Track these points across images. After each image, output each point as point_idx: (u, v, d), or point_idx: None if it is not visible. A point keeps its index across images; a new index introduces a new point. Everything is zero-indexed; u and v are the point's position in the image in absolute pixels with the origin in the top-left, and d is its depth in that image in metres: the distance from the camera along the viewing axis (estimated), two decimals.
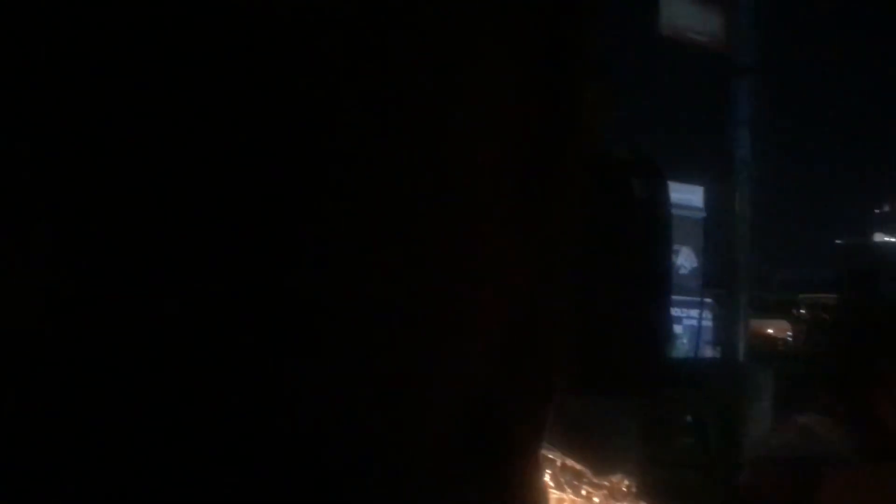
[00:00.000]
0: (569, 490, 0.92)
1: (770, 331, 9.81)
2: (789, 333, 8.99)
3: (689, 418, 4.03)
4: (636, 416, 2.08)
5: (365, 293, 0.28)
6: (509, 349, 0.32)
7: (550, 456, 0.90)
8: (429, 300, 0.30)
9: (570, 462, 0.94)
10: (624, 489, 0.95)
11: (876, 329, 1.45)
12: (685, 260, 6.49)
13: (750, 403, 3.99)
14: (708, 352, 5.22)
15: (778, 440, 1.48)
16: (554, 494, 0.92)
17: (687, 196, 6.55)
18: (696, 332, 5.03)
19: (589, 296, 1.96)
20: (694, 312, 5.29)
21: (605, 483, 0.94)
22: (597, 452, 1.40)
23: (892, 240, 22.97)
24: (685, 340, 5.44)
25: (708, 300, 5.38)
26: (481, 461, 0.30)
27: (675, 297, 5.92)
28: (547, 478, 0.89)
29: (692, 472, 3.34)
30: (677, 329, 6.06)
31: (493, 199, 0.34)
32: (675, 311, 5.93)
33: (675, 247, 7.40)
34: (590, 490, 0.93)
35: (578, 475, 0.94)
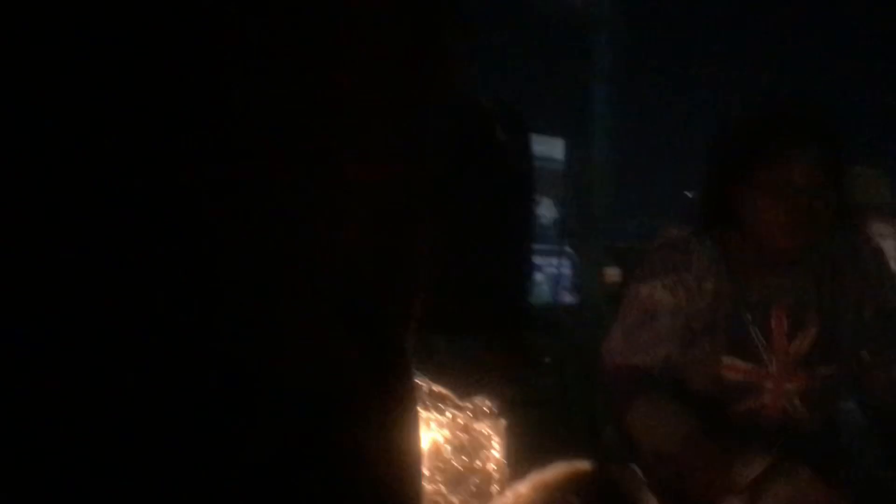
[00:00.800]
0: (434, 411, 0.97)
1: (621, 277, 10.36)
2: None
3: (547, 360, 4.22)
4: (497, 357, 2.17)
5: (265, 197, 0.31)
6: (380, 242, 0.35)
7: (418, 382, 0.95)
8: (315, 207, 0.33)
9: (436, 387, 0.99)
10: (486, 410, 1.01)
11: None
12: (546, 210, 6.71)
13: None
14: (567, 298, 5.45)
15: None
16: (422, 415, 0.97)
17: (548, 148, 6.75)
18: (556, 279, 5.23)
19: (451, 241, 2.02)
20: (554, 261, 5.51)
21: (469, 405, 1.00)
22: (460, 388, 1.46)
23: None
24: (545, 287, 5.67)
25: (567, 249, 5.62)
26: (359, 326, 0.34)
27: (536, 246, 6.13)
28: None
29: (551, 413, 3.52)
30: (538, 276, 6.31)
31: (365, 124, 0.37)
32: (536, 260, 6.15)
33: (537, 197, 7.62)
34: (454, 412, 0.99)
35: (444, 398, 0.99)
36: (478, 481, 0.96)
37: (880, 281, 1.54)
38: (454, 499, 0.94)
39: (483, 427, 0.97)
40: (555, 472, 0.89)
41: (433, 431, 0.98)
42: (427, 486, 0.95)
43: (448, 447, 0.97)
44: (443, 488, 0.93)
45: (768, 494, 1.24)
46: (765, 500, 1.23)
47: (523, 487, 0.88)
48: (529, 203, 2.18)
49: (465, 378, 2.01)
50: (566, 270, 5.48)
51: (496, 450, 0.97)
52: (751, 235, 1.47)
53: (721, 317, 1.48)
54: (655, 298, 1.47)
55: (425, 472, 0.97)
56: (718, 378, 1.49)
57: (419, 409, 0.99)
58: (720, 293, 1.48)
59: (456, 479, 0.96)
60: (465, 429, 0.97)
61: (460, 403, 0.97)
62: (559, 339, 4.33)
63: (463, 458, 0.97)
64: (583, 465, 0.91)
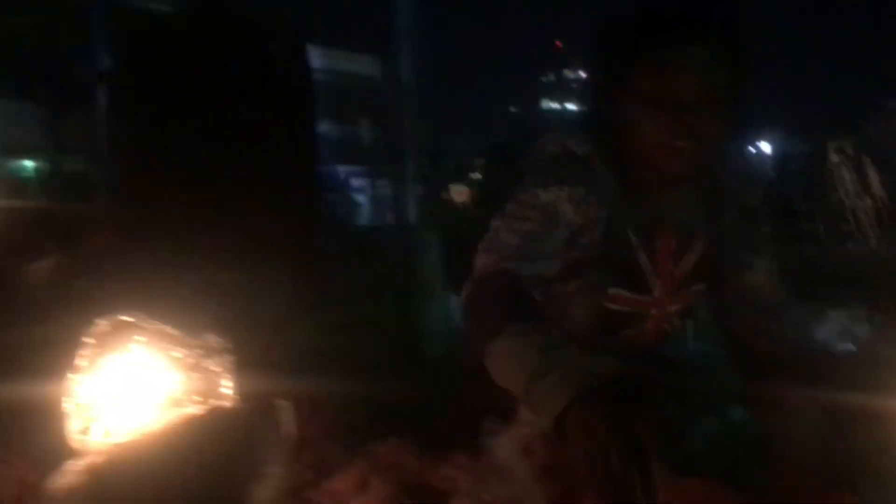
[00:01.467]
0: (162, 354, 0.91)
1: (452, 195, 10.53)
2: (466, 197, 9.75)
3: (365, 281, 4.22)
4: (303, 286, 2.12)
5: None
6: None
7: (141, 324, 0.88)
8: None
9: (163, 328, 0.92)
10: (217, 346, 0.96)
11: None
12: (364, 131, 6.62)
13: (424, 265, 4.25)
14: (386, 219, 5.46)
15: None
16: (148, 360, 0.90)
17: (365, 67, 6.61)
18: (373, 201, 5.22)
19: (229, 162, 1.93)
20: (371, 182, 5.47)
21: (199, 343, 0.94)
22: (253, 326, 1.39)
23: (555, 106, 25.43)
24: (363, 210, 5.64)
25: (385, 169, 5.59)
26: None
27: (354, 168, 6.04)
28: (139, 346, 0.86)
29: (370, 334, 3.52)
30: (359, 198, 6.25)
31: None
32: (354, 182, 6.09)
33: (356, 118, 7.52)
34: (185, 351, 0.93)
35: (172, 339, 0.93)
36: None
37: (744, 179, 1.46)
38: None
39: (213, 365, 0.92)
40: None
41: (162, 373, 0.92)
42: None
43: (180, 389, 0.92)
44: None
45: None
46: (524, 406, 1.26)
47: None
48: (308, 120, 2.10)
49: (255, 316, 1.96)
50: (385, 191, 5.47)
51: (228, 388, 0.93)
52: (633, 153, 1.30)
53: (612, 244, 1.34)
54: (558, 208, 1.28)
55: (155, 415, 0.91)
56: (601, 309, 1.38)
57: (144, 352, 0.93)
58: (612, 220, 1.33)
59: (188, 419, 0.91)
60: (197, 368, 0.92)
61: (191, 342, 0.92)
62: (380, 260, 4.35)
63: (194, 397, 0.92)
64: None
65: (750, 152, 1.52)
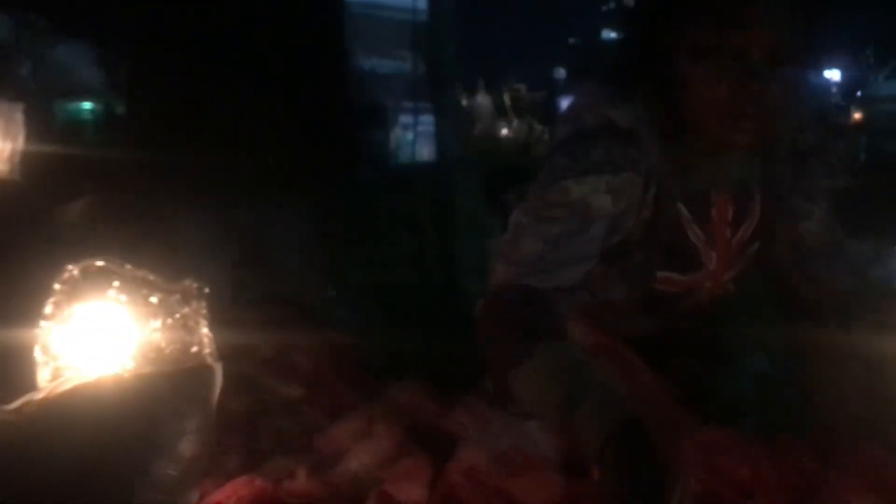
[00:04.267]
0: (139, 298, 0.87)
1: (504, 131, 10.37)
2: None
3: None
4: (333, 221, 2.09)
5: None
6: None
7: (115, 269, 0.84)
8: None
9: (140, 273, 0.88)
10: (195, 291, 0.92)
11: None
12: (410, 66, 6.48)
13: (465, 201, 4.19)
14: (428, 155, 5.36)
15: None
16: (124, 305, 0.87)
17: None
18: (415, 136, 5.13)
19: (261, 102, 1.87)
20: (416, 118, 5.36)
21: (177, 287, 0.90)
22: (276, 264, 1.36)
23: (616, 35, 24.64)
24: (412, 146, 5.56)
25: (429, 104, 5.46)
26: None
27: (399, 103, 5.94)
28: (114, 291, 0.82)
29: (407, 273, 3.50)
30: (399, 134, 6.17)
31: None
32: (399, 117, 6.01)
33: (401, 52, 7.37)
34: (162, 296, 0.89)
35: (149, 284, 0.89)
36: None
37: (798, 118, 1.25)
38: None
39: (194, 311, 0.88)
40: None
41: (139, 320, 0.88)
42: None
43: (157, 335, 0.88)
44: None
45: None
46: None
47: None
48: (338, 48, 2.02)
49: (277, 255, 1.93)
50: (429, 127, 5.34)
51: (206, 335, 0.89)
52: (688, 119, 1.11)
53: (659, 223, 1.18)
54: (593, 204, 1.10)
55: (131, 363, 0.88)
56: (650, 291, 1.25)
57: (119, 299, 0.89)
58: (661, 196, 1.16)
59: (164, 369, 0.87)
60: (174, 313, 0.88)
61: (168, 287, 0.87)
62: (419, 197, 4.29)
63: (175, 346, 0.88)
64: None
65: (805, 87, 1.24)
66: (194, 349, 0.90)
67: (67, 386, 0.78)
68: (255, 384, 1.32)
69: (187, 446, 0.80)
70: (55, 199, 2.53)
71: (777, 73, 1.03)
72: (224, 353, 1.24)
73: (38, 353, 0.84)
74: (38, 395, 0.79)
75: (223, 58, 1.84)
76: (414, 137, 5.46)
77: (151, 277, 0.89)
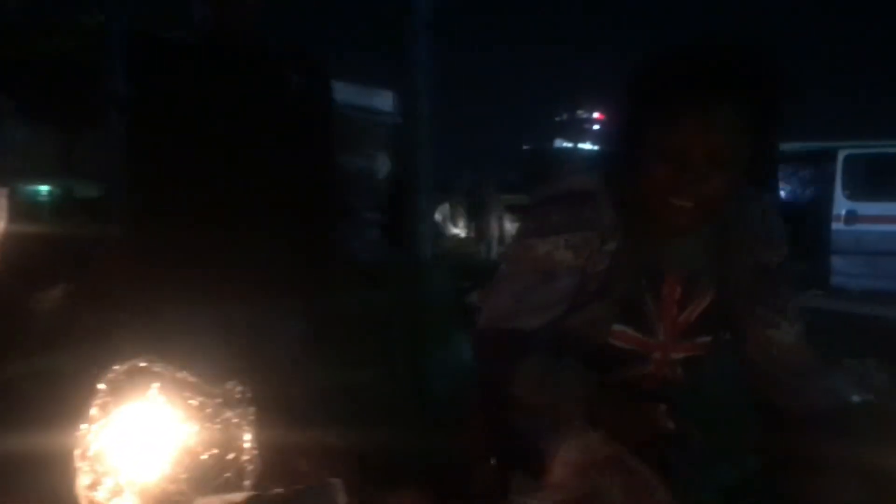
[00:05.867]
0: (179, 402, 0.85)
1: (457, 231, 10.51)
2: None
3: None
4: (314, 318, 2.06)
5: None
6: None
7: (157, 370, 0.82)
8: None
9: (180, 374, 0.86)
10: (238, 396, 0.90)
11: None
12: (381, 164, 6.60)
13: (435, 300, 4.20)
14: (397, 253, 5.40)
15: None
16: (164, 408, 0.84)
17: (380, 101, 6.61)
18: (385, 233, 5.17)
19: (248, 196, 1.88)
20: (386, 215, 5.43)
21: (219, 392, 0.88)
22: (261, 360, 1.33)
23: (568, 145, 25.52)
24: (380, 243, 5.60)
25: (399, 203, 5.53)
26: None
27: (372, 202, 5.98)
28: (156, 392, 0.80)
29: (375, 374, 3.46)
30: (374, 232, 6.22)
31: None
32: (372, 215, 6.07)
33: (372, 152, 7.51)
34: (203, 400, 0.87)
35: (190, 386, 0.87)
36: (228, 476, 0.85)
37: (764, 237, 1.39)
38: (199, 498, 0.82)
39: (233, 416, 0.86)
40: None
41: (178, 423, 0.86)
42: (168, 486, 0.83)
43: (196, 440, 0.85)
44: (185, 487, 0.82)
45: (558, 459, 1.22)
46: (556, 464, 1.21)
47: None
48: (329, 151, 2.04)
49: (266, 349, 1.90)
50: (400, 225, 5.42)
51: (247, 441, 0.86)
52: (642, 199, 1.27)
53: (617, 280, 1.32)
54: (556, 258, 1.28)
55: (168, 470, 0.85)
56: (605, 346, 1.37)
57: (161, 401, 0.87)
58: (619, 255, 1.31)
59: (204, 476, 0.84)
60: (215, 418, 0.86)
61: (209, 390, 0.85)
62: (392, 294, 4.28)
63: (213, 451, 0.85)
64: None
65: (773, 209, 1.45)
66: (231, 456, 0.87)
67: None
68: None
69: None
70: (32, 286, 2.47)
71: (714, 170, 1.19)
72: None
73: (78, 458, 0.80)
74: None
75: (193, 150, 1.85)
76: (383, 235, 5.53)
77: (192, 379, 0.87)
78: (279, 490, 0.91)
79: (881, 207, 7.82)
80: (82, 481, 0.79)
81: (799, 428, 1.36)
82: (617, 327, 1.35)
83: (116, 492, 0.80)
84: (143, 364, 0.85)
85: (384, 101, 6.40)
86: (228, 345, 1.80)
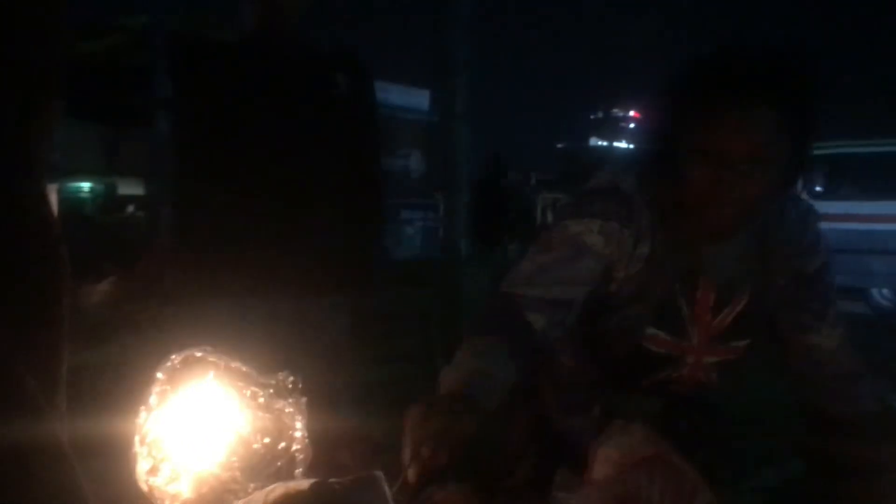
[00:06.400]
0: (234, 391, 0.87)
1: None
2: None
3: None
4: (354, 314, 2.08)
5: None
6: None
7: (212, 360, 0.84)
8: None
9: (234, 364, 0.88)
10: (289, 386, 0.92)
11: None
12: (416, 163, 6.62)
13: (471, 298, 4.21)
14: (435, 251, 5.43)
15: None
16: (219, 396, 0.87)
17: (416, 100, 6.64)
18: (423, 232, 5.19)
19: (292, 195, 1.91)
20: (423, 214, 5.45)
21: (271, 382, 0.90)
22: (306, 352, 1.35)
23: (604, 143, 25.34)
24: (415, 241, 5.62)
25: (435, 202, 5.58)
26: None
27: (407, 200, 6.03)
28: (211, 381, 0.82)
29: (413, 367, 3.48)
30: (409, 230, 6.24)
31: None
32: (406, 213, 6.09)
33: (407, 150, 7.54)
34: (255, 390, 0.89)
35: (244, 376, 0.89)
36: (280, 465, 0.87)
37: (804, 243, 1.41)
38: (251, 485, 0.85)
39: (286, 405, 0.88)
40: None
41: (232, 412, 0.88)
42: (223, 474, 0.86)
43: (249, 429, 0.88)
44: (239, 475, 0.84)
45: (600, 455, 1.22)
46: (597, 461, 1.21)
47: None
48: (375, 152, 2.06)
49: (311, 343, 1.93)
50: (435, 224, 5.44)
51: (299, 430, 0.89)
52: (680, 201, 1.29)
53: (651, 284, 1.35)
54: (585, 240, 1.30)
55: (222, 458, 0.87)
56: (639, 348, 1.39)
57: (219, 388, 0.89)
58: (653, 260, 1.34)
59: (257, 464, 0.87)
60: (267, 408, 0.88)
61: (262, 381, 0.88)
62: (427, 291, 4.31)
63: (265, 440, 0.88)
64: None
65: (813, 214, 1.47)
66: (282, 445, 0.89)
67: (272, 496, 0.77)
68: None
69: None
70: (78, 280, 2.53)
71: (755, 170, 1.20)
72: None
73: (137, 445, 0.83)
74: None
75: (240, 148, 1.87)
76: (421, 233, 5.55)
77: (245, 369, 0.89)
78: (337, 480, 0.92)
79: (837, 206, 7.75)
80: (142, 467, 0.82)
81: (845, 431, 1.36)
82: (650, 331, 1.38)
83: (174, 478, 0.83)
84: (199, 354, 0.87)
85: (420, 99, 6.41)
86: (274, 338, 1.83)
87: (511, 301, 1.29)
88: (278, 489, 0.83)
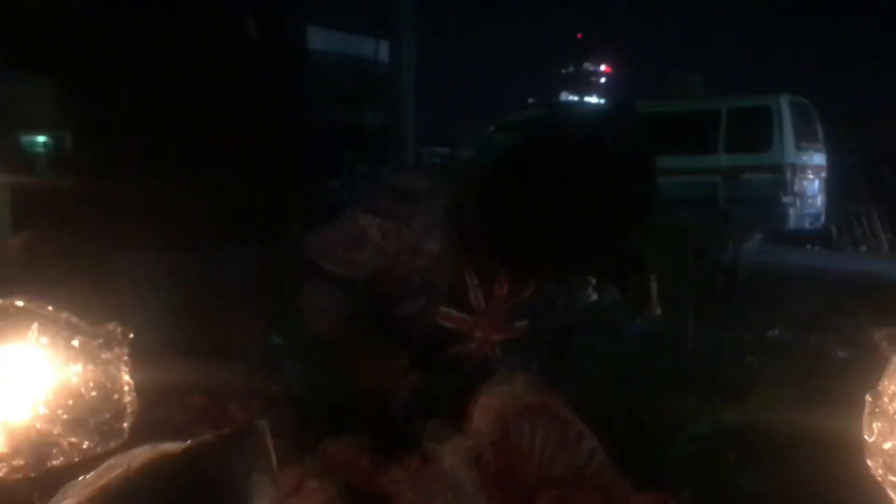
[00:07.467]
0: (60, 341, 0.83)
1: None
2: None
3: None
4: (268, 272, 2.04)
5: None
6: None
7: (37, 311, 0.80)
8: None
9: (64, 315, 0.84)
10: (119, 337, 0.88)
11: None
12: (371, 116, 6.53)
13: None
14: None
15: None
16: (46, 349, 0.83)
17: (366, 49, 6.49)
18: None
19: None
20: (375, 169, 5.41)
21: (101, 331, 0.86)
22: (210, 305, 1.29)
23: (574, 98, 25.25)
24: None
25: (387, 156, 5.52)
26: None
27: (356, 154, 5.91)
28: (34, 334, 0.78)
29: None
30: (354, 183, 6.18)
31: None
32: (358, 168, 6.00)
33: (360, 103, 7.43)
34: (84, 339, 0.85)
35: (72, 326, 0.85)
36: (108, 417, 0.84)
37: None
38: (73, 439, 0.81)
39: (115, 356, 0.85)
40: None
41: (57, 364, 0.84)
42: (42, 427, 0.82)
43: (75, 381, 0.84)
44: (58, 428, 0.80)
45: (480, 404, 1.21)
46: (477, 410, 1.20)
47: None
48: (286, 104, 2.00)
49: None
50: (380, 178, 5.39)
51: (127, 382, 0.85)
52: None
53: (441, 276, 1.55)
54: (368, 232, 1.51)
55: (45, 410, 0.83)
56: (433, 325, 1.59)
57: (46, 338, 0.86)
58: (443, 255, 1.52)
59: (82, 417, 0.83)
60: (96, 359, 0.84)
61: (91, 330, 0.84)
62: None
63: (92, 393, 0.84)
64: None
65: None
66: (115, 397, 0.85)
67: (137, 462, 0.74)
68: (185, 433, 1.27)
69: None
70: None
71: None
72: (151, 399, 1.20)
73: None
74: (115, 473, 0.74)
75: (178, 97, 1.81)
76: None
77: (74, 320, 0.85)
78: (207, 436, 0.89)
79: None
80: None
81: None
82: (444, 309, 1.59)
83: None
84: (19, 303, 0.83)
85: (369, 49, 6.29)
86: (178, 290, 1.79)
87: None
88: (143, 453, 0.80)
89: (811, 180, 10.26)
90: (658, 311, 5.72)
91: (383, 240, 1.51)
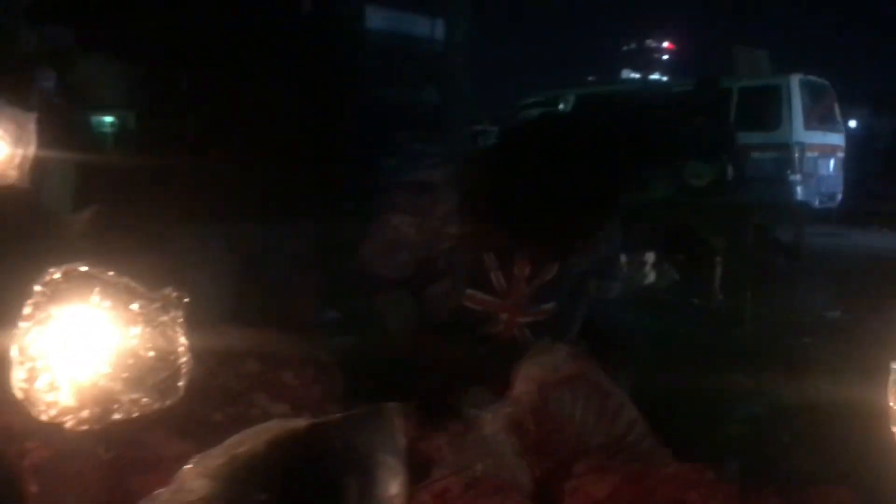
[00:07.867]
0: (120, 305, 0.89)
1: None
2: None
3: None
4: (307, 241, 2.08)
5: None
6: None
7: (99, 276, 0.85)
8: None
9: (123, 280, 0.90)
10: (175, 301, 0.93)
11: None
12: (428, 96, 6.56)
13: None
14: None
15: None
16: (108, 312, 0.88)
17: (422, 28, 6.52)
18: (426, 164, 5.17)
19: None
20: (428, 147, 5.44)
21: (158, 296, 0.92)
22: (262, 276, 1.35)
23: (636, 75, 24.83)
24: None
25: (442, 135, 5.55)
26: None
27: (409, 133, 5.94)
28: (97, 296, 0.84)
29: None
30: (411, 161, 6.23)
31: None
32: (411, 146, 6.02)
33: (418, 82, 7.45)
34: (143, 303, 0.91)
35: (131, 291, 0.90)
36: (165, 376, 0.89)
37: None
38: (133, 396, 0.87)
39: (172, 319, 0.90)
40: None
41: (117, 326, 0.90)
42: (107, 384, 0.88)
43: (134, 342, 0.89)
44: (119, 386, 0.86)
45: (521, 373, 1.24)
46: (519, 379, 1.23)
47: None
48: (359, 80, 2.06)
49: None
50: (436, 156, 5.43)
51: (183, 344, 0.90)
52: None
53: (463, 259, 1.64)
54: (402, 231, 1.63)
55: (108, 369, 0.89)
56: (459, 307, 1.67)
57: (103, 305, 0.91)
58: (463, 238, 1.62)
59: (141, 376, 0.89)
60: (153, 322, 0.89)
61: (149, 295, 0.89)
62: None
63: (150, 353, 0.90)
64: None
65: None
66: (171, 358, 0.91)
67: (264, 436, 0.80)
68: (240, 398, 1.33)
69: (384, 487, 0.84)
70: (66, 208, 2.57)
71: None
72: (208, 365, 1.26)
73: (14, 353, 0.86)
74: (242, 448, 0.81)
75: (241, 79, 1.87)
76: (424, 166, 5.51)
77: (133, 285, 0.90)
78: (338, 415, 0.94)
79: None
80: (17, 374, 0.85)
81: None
82: (469, 291, 1.67)
83: (53, 387, 0.85)
84: (83, 268, 0.89)
85: (425, 27, 6.28)
86: (231, 261, 1.86)
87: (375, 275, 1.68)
88: (272, 428, 0.86)
89: (824, 159, 10.35)
90: (717, 292, 5.64)
91: (416, 234, 1.62)
